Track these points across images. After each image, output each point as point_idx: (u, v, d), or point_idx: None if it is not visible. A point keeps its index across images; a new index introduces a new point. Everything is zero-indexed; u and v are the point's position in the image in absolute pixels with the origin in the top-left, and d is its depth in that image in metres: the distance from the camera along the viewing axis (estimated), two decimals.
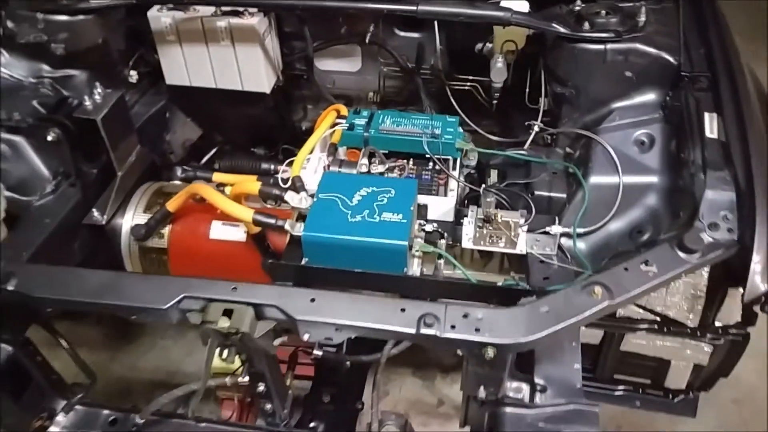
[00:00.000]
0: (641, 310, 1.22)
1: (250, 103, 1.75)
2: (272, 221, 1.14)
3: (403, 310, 0.86)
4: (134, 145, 1.50)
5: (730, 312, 1.21)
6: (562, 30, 1.24)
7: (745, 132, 1.02)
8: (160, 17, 1.54)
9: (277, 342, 0.95)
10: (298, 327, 0.87)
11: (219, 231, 1.41)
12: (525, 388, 0.99)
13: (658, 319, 1.22)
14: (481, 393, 0.93)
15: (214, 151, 1.86)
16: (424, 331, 0.84)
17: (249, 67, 1.60)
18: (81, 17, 1.43)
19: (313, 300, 0.88)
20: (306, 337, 0.87)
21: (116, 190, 1.43)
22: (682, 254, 0.93)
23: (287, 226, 1.15)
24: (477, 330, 0.84)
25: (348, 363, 1.27)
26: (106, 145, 1.37)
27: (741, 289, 1.13)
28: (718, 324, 1.21)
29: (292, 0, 1.41)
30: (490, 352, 0.83)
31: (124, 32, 1.57)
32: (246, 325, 0.85)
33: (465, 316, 0.85)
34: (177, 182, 1.58)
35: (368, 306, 0.87)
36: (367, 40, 1.65)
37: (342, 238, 1.06)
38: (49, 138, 1.31)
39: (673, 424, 1.81)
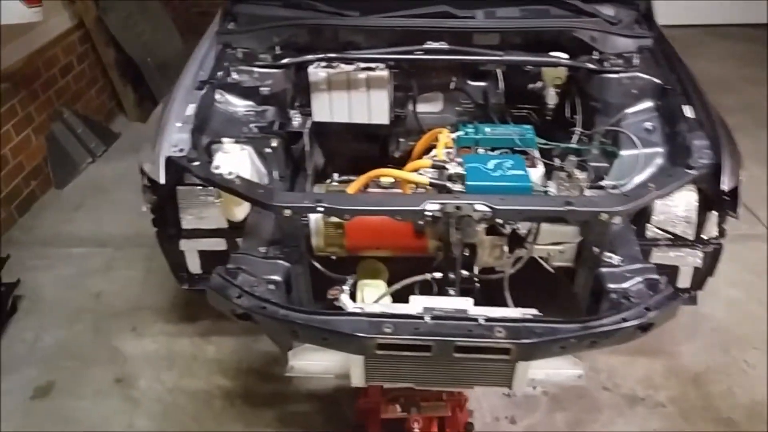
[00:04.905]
0: (660, 231, 1.98)
1: (367, 136, 2.48)
2: (442, 182, 1.84)
3: (553, 199, 1.58)
4: (314, 152, 2.19)
5: (711, 230, 1.99)
6: (594, 67, 2.08)
7: (709, 113, 1.85)
8: (317, 72, 2.28)
9: (478, 228, 1.61)
10: (496, 214, 1.56)
11: None
12: (615, 257, 1.70)
13: (671, 236, 1.97)
14: (595, 251, 1.62)
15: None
16: (569, 208, 1.55)
17: (377, 106, 2.34)
18: (278, 70, 2.17)
19: (501, 199, 1.58)
20: (500, 221, 1.56)
21: (309, 183, 2.11)
22: (688, 170, 1.71)
23: (450, 185, 1.86)
24: (596, 205, 1.56)
25: None
26: (306, 148, 2.06)
27: (716, 213, 1.92)
28: (704, 237, 1.98)
29: (412, 55, 2.18)
30: (604, 216, 1.54)
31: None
32: (470, 212, 1.53)
33: (588, 200, 1.58)
34: (335, 183, 2.27)
35: (537, 200, 1.58)
36: (452, 87, 2.46)
37: (492, 184, 1.77)
38: (273, 144, 1.98)
39: (675, 344, 2.52)
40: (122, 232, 3.25)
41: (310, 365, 1.84)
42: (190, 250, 2.09)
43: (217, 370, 2.44)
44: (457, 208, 1.56)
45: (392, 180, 2.14)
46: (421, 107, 2.53)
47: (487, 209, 1.56)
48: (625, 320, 1.51)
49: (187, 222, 2.03)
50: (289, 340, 1.71)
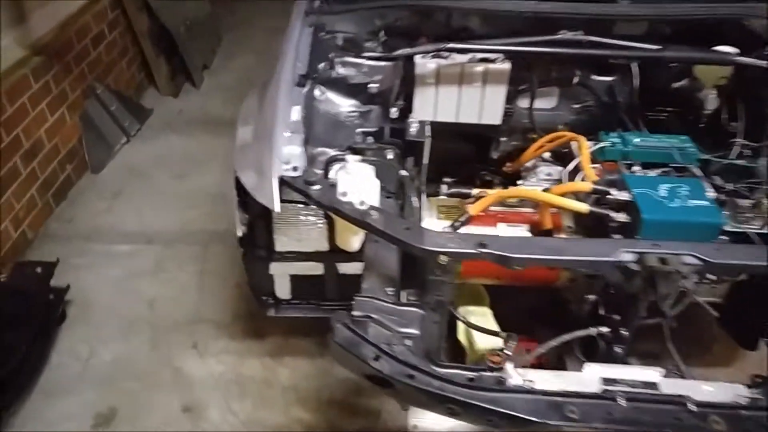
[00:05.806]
0: None
1: (465, 135, 2.13)
2: (605, 212, 1.50)
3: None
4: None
5: None
6: None
7: None
8: (425, 63, 1.91)
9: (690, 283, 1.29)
10: (710, 268, 1.23)
11: (504, 232, 1.75)
12: None
13: None
14: None
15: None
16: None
17: (491, 104, 1.98)
18: (389, 63, 1.80)
19: (717, 249, 1.25)
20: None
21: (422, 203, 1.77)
22: None
23: (613, 215, 1.52)
24: None
25: None
26: (424, 161, 1.72)
27: None
28: None
29: (552, 48, 1.81)
30: None
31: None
32: (678, 266, 1.21)
33: None
34: (443, 196, 1.93)
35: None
36: (575, 82, 2.09)
37: (675, 219, 1.43)
38: (390, 156, 1.64)
39: None
40: (167, 226, 2.96)
41: (436, 425, 1.57)
42: (281, 275, 1.79)
43: (295, 400, 2.16)
44: (662, 260, 1.23)
45: (517, 199, 1.82)
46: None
47: (699, 263, 1.23)
48: None
49: (282, 244, 1.71)
50: None
